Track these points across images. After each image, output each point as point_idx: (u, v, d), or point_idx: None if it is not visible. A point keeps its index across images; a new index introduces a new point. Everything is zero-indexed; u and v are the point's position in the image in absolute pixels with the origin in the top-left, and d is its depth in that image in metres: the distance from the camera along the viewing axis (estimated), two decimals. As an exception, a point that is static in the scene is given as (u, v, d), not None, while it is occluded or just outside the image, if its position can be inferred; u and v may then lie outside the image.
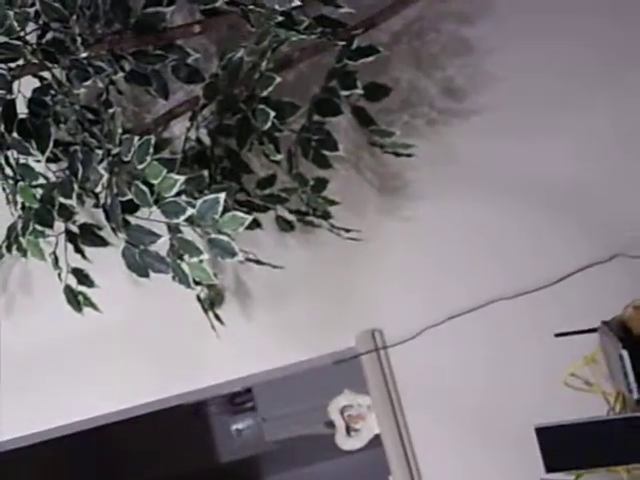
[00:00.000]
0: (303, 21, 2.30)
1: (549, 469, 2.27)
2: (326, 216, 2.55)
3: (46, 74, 2.43)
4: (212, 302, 2.63)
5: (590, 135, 2.67)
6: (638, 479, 2.34)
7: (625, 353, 2.24)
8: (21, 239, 2.50)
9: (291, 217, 2.61)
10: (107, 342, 2.78)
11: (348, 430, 2.64)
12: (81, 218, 2.61)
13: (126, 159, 2.24)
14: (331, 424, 3.39)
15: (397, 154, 2.54)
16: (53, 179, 2.47)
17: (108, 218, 2.32)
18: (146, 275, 2.30)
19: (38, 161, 2.45)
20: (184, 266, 2.25)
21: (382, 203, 2.74)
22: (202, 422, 4.44)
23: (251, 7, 2.24)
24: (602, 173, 2.66)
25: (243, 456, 4.38)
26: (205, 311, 2.59)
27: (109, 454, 3.80)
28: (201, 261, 2.23)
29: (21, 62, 2.44)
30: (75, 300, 2.54)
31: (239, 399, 4.30)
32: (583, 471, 2.32)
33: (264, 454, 4.35)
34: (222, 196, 2.17)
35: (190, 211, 2.18)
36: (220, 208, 2.16)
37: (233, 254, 2.18)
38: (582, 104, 2.67)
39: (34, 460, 3.11)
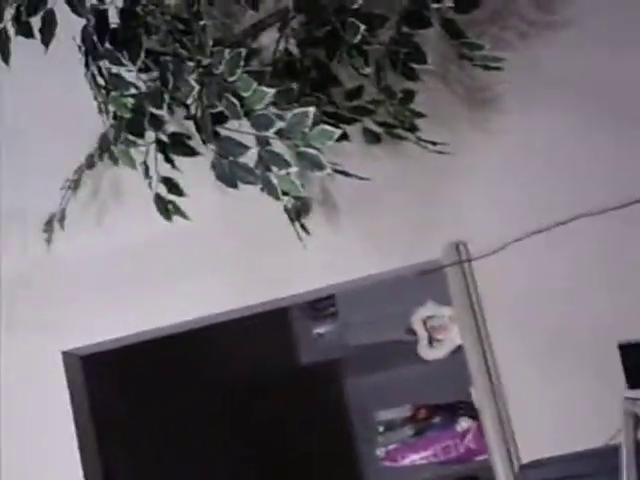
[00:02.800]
0: None
1: (632, 386, 2.29)
2: (413, 129, 2.55)
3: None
4: (298, 212, 2.66)
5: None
6: None
7: None
8: (113, 148, 2.55)
9: (378, 129, 2.62)
10: (194, 250, 2.84)
11: (430, 340, 2.69)
12: (170, 127, 2.64)
13: (217, 71, 2.27)
14: (412, 332, 3.44)
15: (486, 67, 2.52)
16: (144, 89, 2.51)
17: (198, 129, 2.35)
18: (235, 186, 2.34)
19: (130, 71, 2.49)
20: (272, 178, 2.28)
21: (470, 116, 2.73)
22: (284, 325, 4.51)
23: None
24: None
25: (323, 359, 4.45)
26: (292, 221, 2.62)
27: (195, 357, 3.89)
28: (288, 173, 2.26)
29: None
30: (165, 208, 2.58)
31: (321, 304, 4.35)
32: (666, 387, 2.33)
33: (344, 358, 4.41)
34: (312, 110, 2.18)
35: (280, 124, 2.20)
36: (310, 122, 2.17)
37: (321, 167, 2.20)
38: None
39: (120, 363, 3.20)
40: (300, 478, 4.27)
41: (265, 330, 4.09)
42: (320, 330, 4.44)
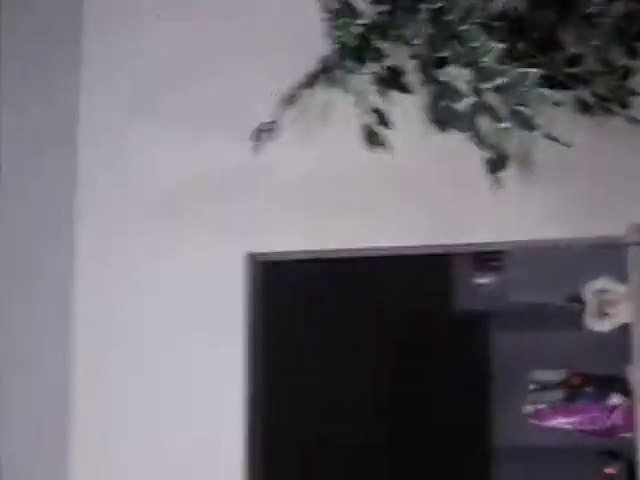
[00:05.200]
0: None
1: None
2: (625, 105, 2.59)
3: None
4: (496, 165, 2.73)
5: None
6: None
7: None
8: (333, 72, 2.65)
9: (591, 100, 2.65)
10: (391, 182, 2.94)
11: (599, 312, 2.74)
12: (388, 62, 2.73)
13: (448, 17, 2.34)
14: (576, 300, 3.47)
15: None
16: (372, 20, 2.59)
17: (422, 70, 2.44)
18: (445, 130, 2.42)
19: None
20: (482, 129, 2.35)
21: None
22: (445, 269, 4.58)
23: None
24: None
25: (481, 309, 4.51)
26: (489, 172, 2.68)
27: (363, 285, 3.99)
28: (500, 128, 2.33)
29: None
30: (371, 138, 2.68)
31: (487, 255, 4.40)
32: None
33: (503, 312, 4.46)
34: (534, 71, 2.24)
35: (500, 80, 2.26)
36: (530, 83, 2.24)
37: (533, 128, 2.27)
38: None
39: (299, 275, 3.32)
40: (443, 418, 4.36)
41: (427, 271, 4.16)
42: (482, 280, 4.50)
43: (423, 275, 4.24)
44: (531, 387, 3.71)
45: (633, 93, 2.57)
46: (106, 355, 3.12)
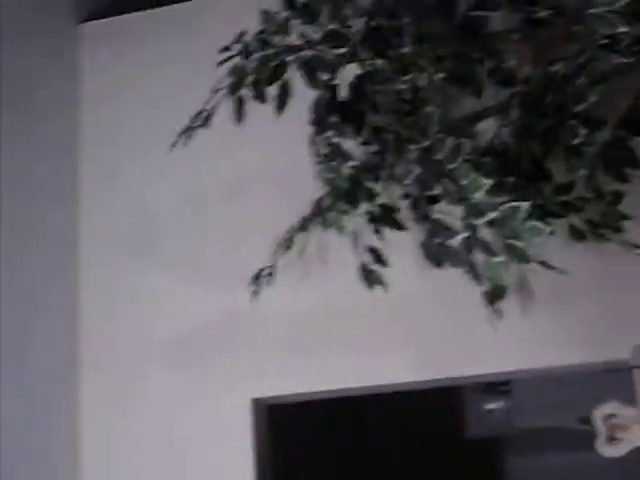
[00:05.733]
0: (623, 40, 2.35)
1: None
2: (618, 229, 2.61)
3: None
4: (494, 297, 2.73)
5: None
6: None
7: None
8: (326, 214, 2.68)
9: (583, 226, 2.67)
10: (390, 319, 2.95)
11: (610, 438, 2.71)
12: (380, 199, 2.76)
13: (437, 157, 2.37)
14: (585, 421, 3.44)
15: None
16: (362, 161, 2.63)
17: (414, 208, 2.46)
18: (440, 266, 2.43)
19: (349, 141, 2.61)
20: (476, 264, 2.36)
21: (678, 222, 2.76)
22: (454, 397, 4.57)
23: (577, 27, 2.31)
24: None
25: (490, 435, 4.48)
26: (488, 304, 2.69)
27: (368, 421, 3.99)
28: (494, 262, 2.33)
29: (346, 49, 2.62)
30: (368, 277, 2.69)
31: (495, 381, 4.39)
32: None
33: (511, 436, 4.44)
34: (525, 205, 2.26)
35: (492, 215, 2.28)
36: (522, 216, 2.25)
37: (527, 260, 2.28)
38: None
39: (303, 416, 3.32)
40: None
41: (435, 400, 4.15)
42: (491, 406, 4.49)
43: (431, 404, 4.23)
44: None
45: (624, 217, 2.59)
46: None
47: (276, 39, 2.62)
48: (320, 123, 2.60)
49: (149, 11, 3.43)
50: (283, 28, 2.61)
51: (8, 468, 2.85)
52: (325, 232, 2.75)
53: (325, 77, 2.58)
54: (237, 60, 2.62)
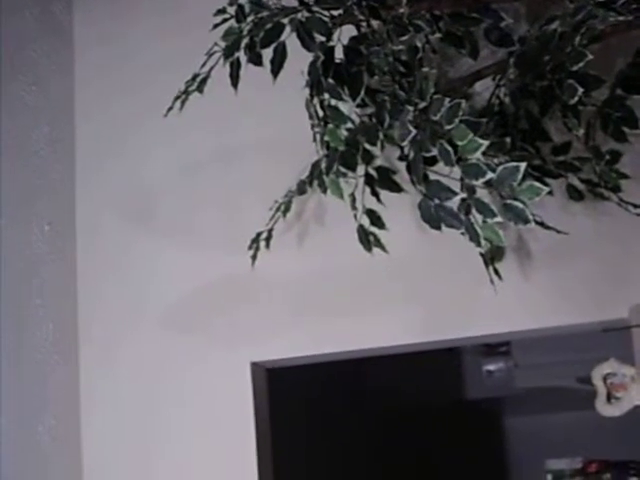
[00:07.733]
0: (620, -1, 2.34)
1: None
2: (616, 189, 2.60)
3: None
4: (493, 257, 2.73)
5: None
6: None
7: None
8: (324, 177, 2.67)
9: (581, 186, 2.67)
10: (388, 281, 2.95)
11: (609, 397, 2.72)
12: (377, 162, 2.75)
13: (434, 118, 2.36)
14: (584, 380, 3.45)
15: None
16: (359, 123, 2.62)
17: (410, 170, 2.45)
18: (439, 228, 2.42)
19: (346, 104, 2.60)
20: (476, 225, 2.35)
21: (675, 182, 2.75)
22: (454, 359, 4.58)
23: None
24: None
25: (490, 396, 4.49)
26: (486, 265, 2.69)
27: (367, 383, 4.00)
28: (492, 223, 2.32)
29: (341, 11, 2.60)
30: (366, 240, 2.69)
31: (494, 342, 4.40)
32: None
33: (511, 397, 4.45)
34: (523, 165, 2.24)
35: (490, 175, 2.27)
36: (520, 176, 2.23)
37: (526, 221, 2.26)
38: None
39: (302, 379, 3.33)
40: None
41: (435, 360, 4.16)
42: (490, 367, 4.49)
43: (431, 365, 4.23)
44: (548, 477, 3.66)
45: (623, 176, 2.58)
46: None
47: (271, 1, 2.60)
48: (316, 86, 2.58)
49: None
50: (278, -11, 2.60)
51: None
52: (323, 195, 2.75)
53: (321, 39, 2.56)
54: (232, 23, 2.60)
